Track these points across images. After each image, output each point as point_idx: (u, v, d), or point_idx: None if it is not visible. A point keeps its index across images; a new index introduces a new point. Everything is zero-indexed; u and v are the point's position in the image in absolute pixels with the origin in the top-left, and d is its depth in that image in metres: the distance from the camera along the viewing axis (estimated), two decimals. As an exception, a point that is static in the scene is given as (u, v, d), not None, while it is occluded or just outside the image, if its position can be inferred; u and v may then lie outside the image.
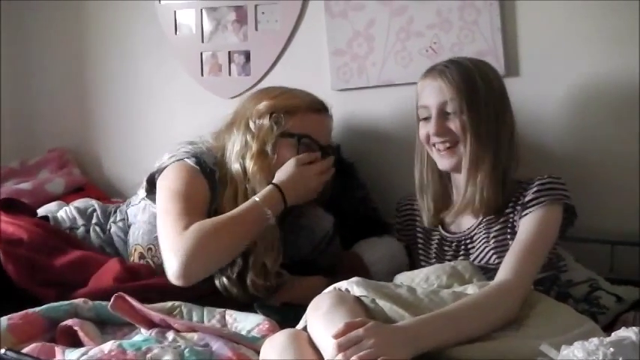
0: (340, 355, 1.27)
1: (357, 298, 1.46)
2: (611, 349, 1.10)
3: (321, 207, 2.05)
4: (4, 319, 1.59)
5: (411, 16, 2.18)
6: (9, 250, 1.85)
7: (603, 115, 1.98)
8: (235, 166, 1.93)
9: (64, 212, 2.15)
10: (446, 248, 1.83)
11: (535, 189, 1.67)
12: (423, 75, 1.81)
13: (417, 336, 1.34)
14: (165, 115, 2.68)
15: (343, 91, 2.30)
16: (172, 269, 1.72)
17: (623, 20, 1.91)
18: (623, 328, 1.20)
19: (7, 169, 2.79)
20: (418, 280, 1.62)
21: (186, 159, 1.92)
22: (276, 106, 1.95)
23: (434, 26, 2.15)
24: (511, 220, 1.70)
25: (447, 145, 1.74)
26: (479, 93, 1.70)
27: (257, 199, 1.82)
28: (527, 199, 1.67)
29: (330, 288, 1.53)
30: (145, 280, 1.83)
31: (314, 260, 2.00)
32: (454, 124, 1.72)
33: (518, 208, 1.68)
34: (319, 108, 2.01)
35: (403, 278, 1.65)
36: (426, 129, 1.77)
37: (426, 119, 1.77)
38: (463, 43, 2.12)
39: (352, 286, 1.49)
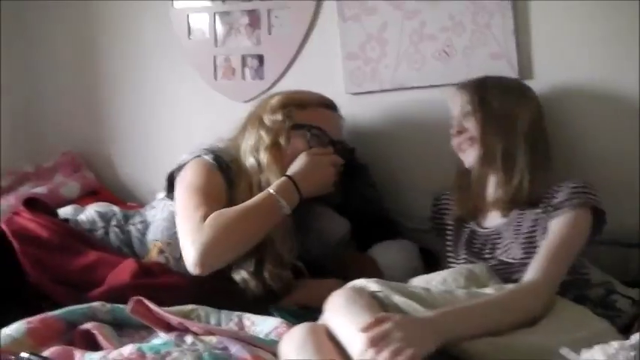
0: (371, 350, 1.29)
1: (372, 294, 1.50)
2: (632, 353, 1.10)
3: (336, 211, 2.08)
4: (24, 323, 1.60)
5: (424, 20, 2.19)
6: (26, 246, 1.89)
7: (617, 115, 1.98)
8: (250, 160, 1.97)
9: (84, 215, 2.17)
10: (474, 241, 1.88)
11: (567, 191, 1.73)
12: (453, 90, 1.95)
13: (443, 326, 1.38)
14: (179, 119, 2.69)
15: (357, 95, 2.30)
16: (190, 259, 1.78)
17: (636, 22, 1.91)
18: (642, 330, 1.20)
19: (22, 173, 2.81)
20: (435, 282, 1.64)
21: (204, 155, 1.96)
22: (287, 100, 2.02)
23: (447, 29, 2.16)
24: (542, 218, 1.74)
25: (468, 142, 1.87)
26: (489, 96, 1.86)
27: (271, 190, 1.86)
28: (558, 200, 1.73)
29: (347, 285, 1.57)
30: (160, 278, 1.85)
31: (328, 263, 2.03)
32: (470, 124, 1.85)
33: (550, 208, 1.73)
34: (328, 104, 2.07)
35: (419, 281, 1.67)
36: (452, 132, 1.91)
37: (451, 125, 1.92)
38: (476, 46, 2.12)
39: (369, 283, 1.54)
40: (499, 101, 1.85)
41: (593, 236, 1.75)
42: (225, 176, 1.94)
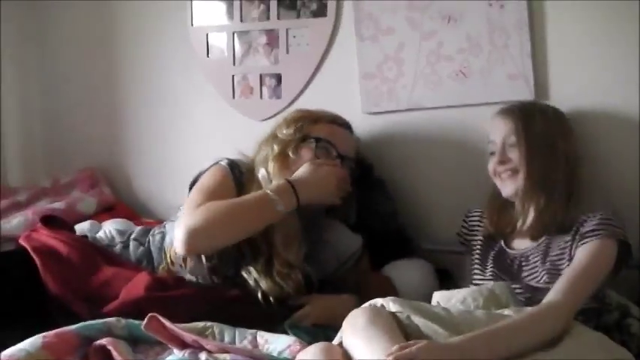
0: None
1: (393, 314, 1.49)
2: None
3: (348, 228, 2.09)
4: (39, 337, 1.61)
5: (441, 40, 2.20)
6: (48, 262, 1.93)
7: (634, 137, 1.97)
8: (261, 171, 2.03)
9: (102, 233, 2.19)
10: (502, 260, 1.89)
11: (595, 222, 1.74)
12: (494, 114, 1.94)
13: (468, 353, 1.38)
14: (196, 136, 2.70)
15: (374, 114, 2.31)
16: (178, 239, 1.87)
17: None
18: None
19: (40, 188, 2.83)
20: (454, 300, 1.64)
21: (221, 162, 2.05)
22: (300, 115, 2.10)
23: (464, 50, 2.17)
24: (570, 247, 1.76)
25: (509, 173, 1.87)
26: (535, 127, 1.86)
27: (268, 189, 1.91)
28: (586, 229, 1.74)
29: (366, 304, 1.57)
30: (174, 291, 1.87)
31: (341, 279, 2.03)
32: (514, 155, 1.86)
33: (577, 237, 1.75)
34: (341, 123, 2.10)
35: (440, 297, 1.67)
36: (493, 161, 1.91)
37: (493, 153, 1.91)
38: (493, 67, 2.13)
39: (388, 303, 1.53)
40: (543, 131, 1.86)
41: (618, 269, 1.76)
42: (237, 181, 2.01)
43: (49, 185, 2.87)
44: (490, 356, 1.39)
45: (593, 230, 1.73)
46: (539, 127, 1.87)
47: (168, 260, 2.00)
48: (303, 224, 1.96)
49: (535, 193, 1.83)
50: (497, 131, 1.90)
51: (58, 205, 2.66)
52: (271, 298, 1.88)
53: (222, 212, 1.87)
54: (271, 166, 2.00)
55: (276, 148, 2.03)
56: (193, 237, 1.85)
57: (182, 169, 2.51)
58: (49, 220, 2.16)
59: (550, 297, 1.61)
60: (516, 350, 1.43)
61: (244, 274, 1.92)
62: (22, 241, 2.04)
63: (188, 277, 1.97)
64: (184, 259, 1.96)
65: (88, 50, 2.92)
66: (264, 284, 1.89)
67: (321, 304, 1.90)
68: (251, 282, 1.90)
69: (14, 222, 2.51)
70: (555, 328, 1.51)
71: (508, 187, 1.88)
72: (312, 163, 1.97)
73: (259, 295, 1.88)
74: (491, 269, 1.88)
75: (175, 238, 1.88)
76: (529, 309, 1.57)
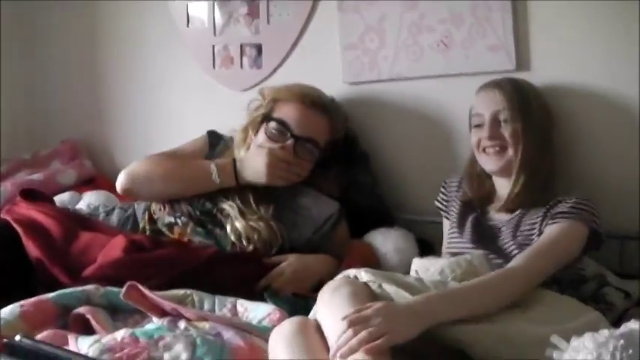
0: (349, 331, 1.29)
1: (365, 284, 1.49)
2: (622, 341, 1.10)
3: (326, 195, 2.13)
4: (16, 306, 1.60)
5: (423, 12, 2.19)
6: (30, 233, 1.93)
7: (614, 109, 1.98)
8: (235, 138, 2.18)
9: (83, 204, 2.20)
10: (479, 226, 1.90)
11: (569, 205, 1.74)
12: (480, 87, 1.93)
13: (424, 312, 1.37)
14: (177, 107, 2.69)
15: (355, 85, 2.30)
16: (118, 178, 2.12)
17: (636, 18, 1.91)
18: (632, 320, 1.20)
19: (19, 160, 2.81)
20: (433, 270, 1.63)
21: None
22: (269, 93, 2.16)
23: (445, 21, 2.16)
24: (540, 222, 1.77)
25: (497, 149, 1.85)
26: (530, 106, 1.86)
27: (213, 163, 2.07)
28: (558, 210, 1.75)
29: (339, 276, 1.56)
30: (152, 252, 1.89)
31: (319, 246, 2.05)
32: (506, 131, 1.84)
33: (549, 215, 1.76)
34: (310, 102, 2.09)
35: (418, 265, 1.67)
36: (478, 135, 1.89)
37: (478, 126, 1.89)
38: (474, 39, 2.12)
39: (360, 273, 1.53)
40: (535, 110, 1.86)
41: (585, 252, 1.78)
42: (211, 145, 2.23)
43: (29, 157, 2.85)
44: (448, 316, 1.38)
45: (564, 212, 1.73)
46: (534, 106, 1.86)
47: (149, 214, 2.08)
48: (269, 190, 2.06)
49: (519, 171, 1.82)
50: (487, 105, 1.88)
51: (37, 176, 2.66)
52: (246, 244, 1.95)
53: (164, 166, 2.10)
54: (237, 138, 2.14)
55: (245, 120, 2.15)
56: (127, 177, 2.09)
57: (163, 141, 2.50)
58: (29, 193, 2.16)
59: (512, 263, 1.63)
60: (473, 310, 1.43)
61: (224, 206, 2.03)
62: (3, 215, 2.03)
63: (167, 220, 2.05)
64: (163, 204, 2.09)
65: (70, 23, 2.89)
66: (239, 224, 1.98)
67: (297, 261, 1.93)
68: (231, 215, 2.00)
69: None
70: (513, 291, 1.52)
71: (493, 162, 1.87)
72: (259, 146, 2.07)
73: (233, 238, 1.98)
74: (469, 233, 1.89)
75: (118, 177, 2.10)
76: (491, 272, 1.58)
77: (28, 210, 2.05)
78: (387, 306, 1.36)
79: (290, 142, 2.05)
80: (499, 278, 1.55)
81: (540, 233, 1.74)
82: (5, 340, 1.38)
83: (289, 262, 1.92)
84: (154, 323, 1.59)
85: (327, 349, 1.36)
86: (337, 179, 2.19)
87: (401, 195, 2.24)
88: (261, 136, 2.09)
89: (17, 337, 1.36)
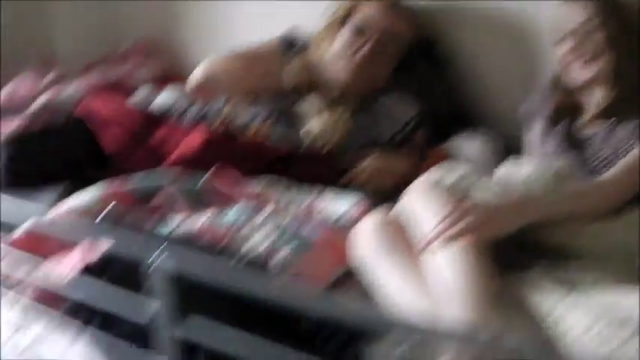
0: (445, 222, 1.31)
1: (449, 186, 1.49)
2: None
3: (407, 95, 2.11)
4: (95, 194, 1.60)
5: None
6: (107, 128, 1.97)
7: None
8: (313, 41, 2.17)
9: (158, 102, 2.18)
10: (566, 138, 1.85)
11: None
12: None
13: (521, 211, 1.41)
14: (255, 4, 2.62)
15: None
16: (193, 74, 2.20)
17: None
18: None
19: (93, 60, 2.81)
20: (519, 175, 1.60)
21: None
22: None
23: None
24: (633, 136, 1.71)
25: (585, 60, 1.78)
26: (616, 13, 1.78)
27: (292, 61, 2.10)
28: None
29: (422, 177, 1.55)
30: (231, 143, 1.91)
31: (399, 148, 2.05)
32: (593, 41, 1.77)
33: None
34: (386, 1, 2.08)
35: (505, 170, 1.64)
36: (564, 47, 1.81)
37: (564, 38, 1.82)
38: None
39: (447, 174, 1.53)
40: (622, 17, 1.78)
41: None
42: (289, 46, 2.20)
43: (104, 57, 2.84)
44: (546, 214, 1.43)
45: None
46: (620, 14, 1.79)
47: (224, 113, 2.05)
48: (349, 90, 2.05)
49: (609, 80, 1.76)
50: (572, 16, 1.81)
51: (112, 74, 2.64)
52: (324, 144, 1.96)
53: (241, 62, 2.16)
54: (316, 39, 2.14)
55: (323, 24, 2.13)
56: (208, 73, 2.17)
57: (238, 37, 2.45)
58: (103, 90, 2.21)
59: (604, 174, 1.62)
60: (575, 211, 1.46)
61: (302, 105, 2.02)
62: (78, 111, 2.07)
63: (242, 118, 2.02)
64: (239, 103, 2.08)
65: None
66: (317, 124, 1.99)
67: (378, 160, 1.94)
68: (309, 114, 2.00)
69: (68, 91, 2.50)
70: (599, 206, 1.52)
71: (582, 74, 1.80)
72: (340, 47, 2.05)
73: (310, 137, 1.97)
74: (554, 145, 1.84)
75: (193, 71, 2.17)
76: (585, 181, 1.61)
77: (104, 105, 2.07)
78: (484, 201, 1.39)
79: (370, 42, 2.03)
80: (593, 187, 1.57)
81: (632, 145, 1.68)
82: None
83: (370, 160, 1.92)
84: (235, 212, 1.57)
85: (411, 247, 1.38)
86: (418, 84, 2.14)
87: (482, 105, 2.16)
88: (341, 36, 2.07)
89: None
